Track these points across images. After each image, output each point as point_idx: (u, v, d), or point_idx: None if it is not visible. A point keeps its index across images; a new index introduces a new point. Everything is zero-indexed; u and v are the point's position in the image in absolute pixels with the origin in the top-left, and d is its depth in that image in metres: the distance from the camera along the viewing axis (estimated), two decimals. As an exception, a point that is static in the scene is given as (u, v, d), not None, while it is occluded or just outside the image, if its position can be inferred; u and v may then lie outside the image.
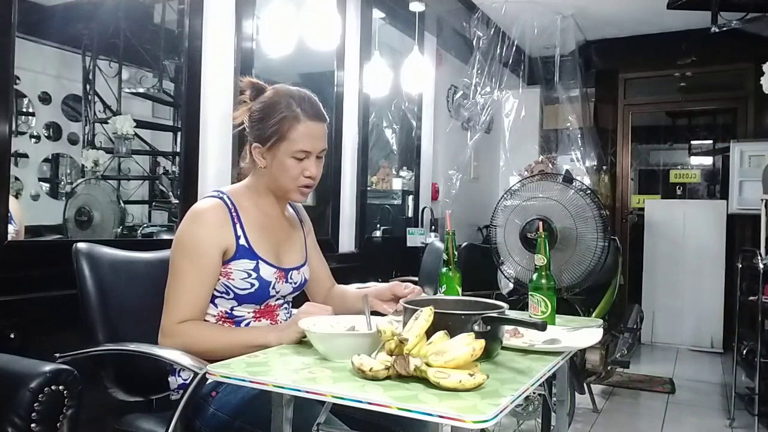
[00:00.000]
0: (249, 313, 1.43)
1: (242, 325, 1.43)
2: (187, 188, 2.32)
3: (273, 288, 1.43)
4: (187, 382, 1.37)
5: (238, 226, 1.40)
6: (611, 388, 3.83)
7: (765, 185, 4.04)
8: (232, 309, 1.42)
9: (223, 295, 1.40)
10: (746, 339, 3.34)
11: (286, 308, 1.53)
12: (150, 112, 3.48)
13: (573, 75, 4.85)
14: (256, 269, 1.40)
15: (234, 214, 1.41)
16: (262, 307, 1.45)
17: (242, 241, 1.39)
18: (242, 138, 1.53)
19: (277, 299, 1.48)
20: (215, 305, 1.41)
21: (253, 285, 1.40)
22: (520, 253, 2.99)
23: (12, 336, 1.64)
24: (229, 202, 1.42)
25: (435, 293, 2.56)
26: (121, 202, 2.81)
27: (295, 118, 1.40)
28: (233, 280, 1.38)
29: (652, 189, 7.63)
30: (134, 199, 3.44)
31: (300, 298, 1.59)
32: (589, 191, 2.99)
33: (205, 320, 1.41)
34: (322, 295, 1.65)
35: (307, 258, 1.58)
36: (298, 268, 1.51)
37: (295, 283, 1.50)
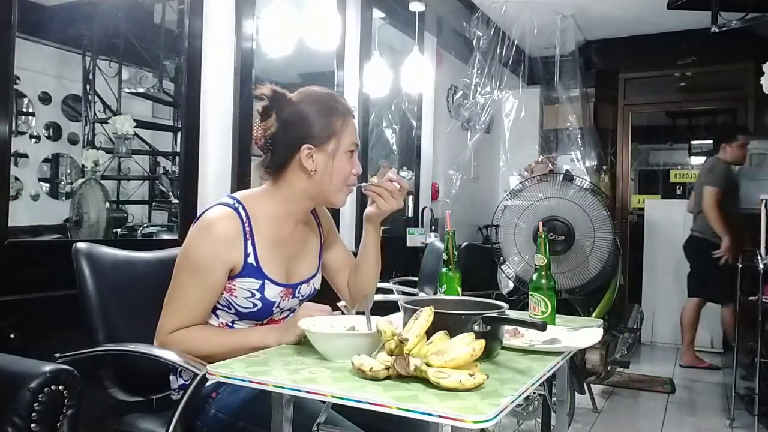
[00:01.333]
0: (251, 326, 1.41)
1: (236, 329, 1.40)
2: (187, 188, 2.32)
3: (277, 306, 1.40)
4: (188, 382, 1.37)
5: (249, 242, 1.34)
6: (611, 388, 3.82)
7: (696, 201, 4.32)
8: (233, 322, 1.39)
9: (225, 309, 1.37)
10: (746, 339, 3.34)
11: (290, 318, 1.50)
12: (150, 112, 3.48)
13: (573, 75, 4.85)
14: (261, 289, 1.35)
15: (247, 228, 1.34)
16: (264, 323, 1.42)
17: (251, 259, 1.34)
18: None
19: (282, 312, 1.45)
20: (216, 316, 1.39)
21: (255, 305, 1.36)
22: (530, 253, 2.99)
23: (12, 336, 1.64)
24: (243, 214, 1.35)
25: (435, 293, 2.56)
26: (107, 202, 2.80)
27: (343, 113, 1.39)
28: (236, 297, 1.35)
29: (652, 189, 7.63)
30: (134, 199, 3.44)
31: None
32: (596, 189, 3.00)
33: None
34: (343, 279, 1.60)
35: (320, 265, 1.54)
36: (307, 281, 1.47)
37: (302, 296, 1.47)
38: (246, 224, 1.34)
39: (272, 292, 1.37)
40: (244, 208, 1.36)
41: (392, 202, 1.46)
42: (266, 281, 1.36)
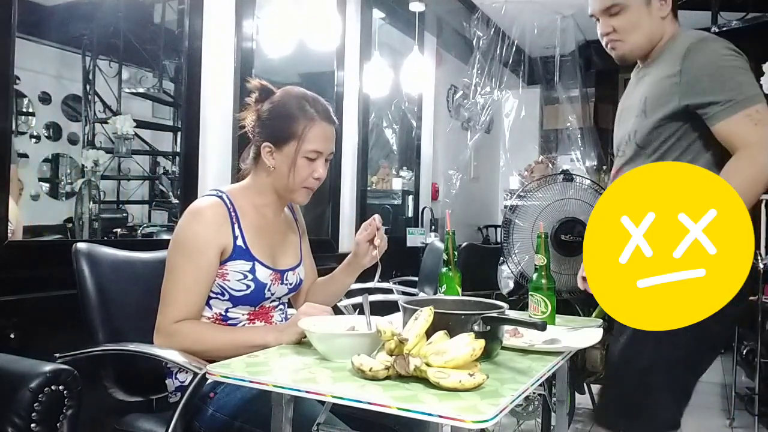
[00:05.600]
0: (243, 315, 1.43)
1: (237, 327, 1.42)
2: (187, 188, 2.32)
3: (268, 290, 1.42)
4: (185, 383, 1.37)
5: (236, 225, 1.40)
6: (611, 388, 3.82)
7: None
8: (226, 311, 1.41)
9: (218, 296, 1.40)
10: (746, 339, 3.34)
11: (281, 309, 1.52)
12: (150, 112, 3.48)
13: (573, 75, 4.85)
14: (252, 270, 1.39)
15: (233, 213, 1.41)
16: (256, 309, 1.44)
17: (239, 242, 1.39)
18: (244, 139, 1.53)
19: (272, 301, 1.47)
20: (210, 307, 1.41)
21: (248, 287, 1.39)
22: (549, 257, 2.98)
23: (12, 336, 1.64)
24: (228, 202, 1.41)
25: (435, 293, 2.56)
26: (92, 202, 2.82)
27: (311, 118, 1.41)
28: (229, 281, 1.38)
29: (652, 189, 7.62)
30: (134, 199, 3.44)
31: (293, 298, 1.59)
32: (598, 187, 2.99)
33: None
34: (303, 291, 1.63)
35: (302, 259, 1.58)
36: (293, 269, 1.51)
37: (291, 284, 1.50)
38: (231, 210, 1.41)
39: (263, 274, 1.41)
40: (228, 196, 1.43)
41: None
42: (256, 263, 1.40)
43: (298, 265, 1.54)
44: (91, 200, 2.76)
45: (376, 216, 1.52)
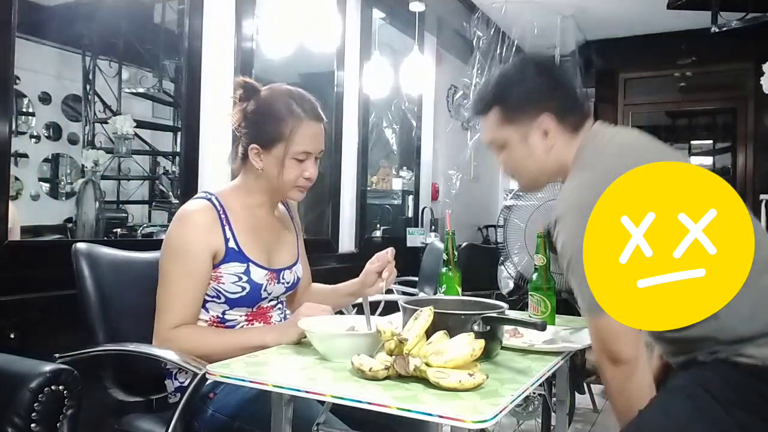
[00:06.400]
0: (241, 316, 1.42)
1: (235, 329, 1.41)
2: (187, 188, 2.32)
3: (264, 290, 1.41)
4: (185, 384, 1.37)
5: (227, 228, 1.38)
6: (611, 388, 3.82)
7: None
8: (223, 313, 1.40)
9: (215, 299, 1.39)
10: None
11: (279, 309, 1.51)
12: (150, 112, 3.48)
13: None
14: (247, 272, 1.38)
15: (223, 215, 1.39)
16: (254, 310, 1.43)
17: (231, 244, 1.37)
18: (234, 138, 1.50)
19: (270, 300, 1.46)
20: (206, 310, 1.40)
21: (244, 288, 1.38)
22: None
23: (12, 336, 1.64)
24: (217, 204, 1.39)
25: (435, 293, 2.56)
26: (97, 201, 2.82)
27: (298, 119, 1.38)
28: (224, 283, 1.37)
29: (653, 189, 7.61)
30: (134, 199, 3.44)
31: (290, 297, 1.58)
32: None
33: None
34: (298, 294, 1.62)
35: (299, 256, 1.56)
36: (290, 268, 1.50)
37: (288, 283, 1.49)
38: (221, 212, 1.39)
39: (258, 275, 1.39)
40: (217, 198, 1.41)
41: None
42: (250, 264, 1.38)
43: (295, 263, 1.53)
44: (95, 200, 2.76)
45: (390, 249, 1.49)
